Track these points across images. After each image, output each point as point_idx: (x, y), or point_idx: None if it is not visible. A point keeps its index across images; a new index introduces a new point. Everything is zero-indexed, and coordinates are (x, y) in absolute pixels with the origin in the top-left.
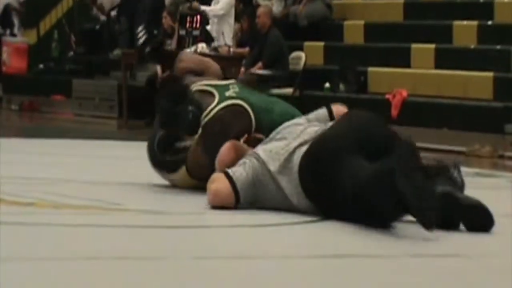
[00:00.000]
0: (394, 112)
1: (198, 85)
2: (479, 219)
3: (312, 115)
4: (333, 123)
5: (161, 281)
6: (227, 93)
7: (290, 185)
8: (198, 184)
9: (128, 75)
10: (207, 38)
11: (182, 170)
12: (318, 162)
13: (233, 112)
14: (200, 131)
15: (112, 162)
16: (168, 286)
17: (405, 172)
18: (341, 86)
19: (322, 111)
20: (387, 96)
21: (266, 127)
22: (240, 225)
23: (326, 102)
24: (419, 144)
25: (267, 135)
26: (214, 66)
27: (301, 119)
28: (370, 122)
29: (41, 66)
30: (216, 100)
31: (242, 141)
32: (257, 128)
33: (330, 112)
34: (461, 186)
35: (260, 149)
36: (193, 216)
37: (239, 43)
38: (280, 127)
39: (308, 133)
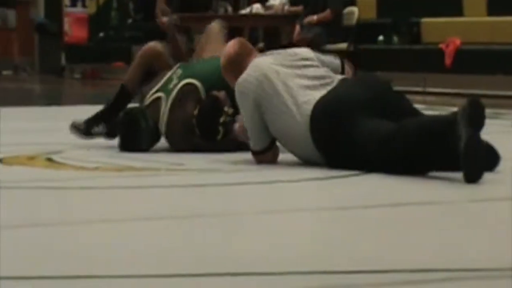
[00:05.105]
0: (448, 61)
1: (149, 96)
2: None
3: (325, 59)
4: (345, 80)
5: (220, 238)
6: (171, 85)
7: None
8: None
9: (186, 39)
10: None
11: None
12: (332, 119)
13: (181, 101)
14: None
15: None
16: (232, 243)
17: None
18: (395, 38)
19: (336, 62)
20: (440, 45)
21: (220, 87)
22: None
23: (378, 54)
24: (474, 92)
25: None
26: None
27: (312, 54)
28: (379, 84)
29: (101, 34)
30: (164, 102)
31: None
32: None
33: (342, 67)
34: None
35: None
36: (253, 173)
37: (293, 1)
38: (289, 53)
39: (322, 76)
